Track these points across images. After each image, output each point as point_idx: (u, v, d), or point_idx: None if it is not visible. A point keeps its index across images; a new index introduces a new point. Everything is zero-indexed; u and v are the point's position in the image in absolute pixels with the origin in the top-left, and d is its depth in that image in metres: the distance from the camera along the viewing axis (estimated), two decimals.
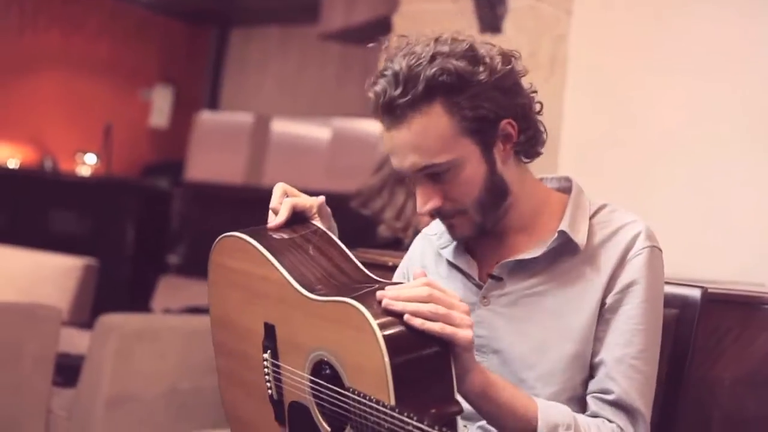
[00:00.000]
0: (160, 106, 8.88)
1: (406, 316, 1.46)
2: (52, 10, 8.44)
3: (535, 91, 1.72)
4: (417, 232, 3.12)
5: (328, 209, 1.84)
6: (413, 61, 1.60)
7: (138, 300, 6.29)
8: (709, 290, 1.91)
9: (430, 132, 1.60)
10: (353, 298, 1.51)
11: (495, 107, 1.62)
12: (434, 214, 1.70)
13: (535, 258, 1.70)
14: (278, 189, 1.81)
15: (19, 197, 7.16)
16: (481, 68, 1.61)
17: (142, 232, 7.06)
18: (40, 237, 6.59)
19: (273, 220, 1.77)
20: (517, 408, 1.57)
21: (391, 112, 1.62)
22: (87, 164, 8.03)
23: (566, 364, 1.67)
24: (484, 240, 1.78)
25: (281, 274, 1.66)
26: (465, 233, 1.73)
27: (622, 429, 1.64)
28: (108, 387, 3.33)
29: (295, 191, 1.81)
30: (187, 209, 7.46)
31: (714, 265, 3.27)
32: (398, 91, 1.59)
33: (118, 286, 6.69)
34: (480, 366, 1.56)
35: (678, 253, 3.13)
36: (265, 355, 1.72)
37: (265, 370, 1.73)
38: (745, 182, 3.31)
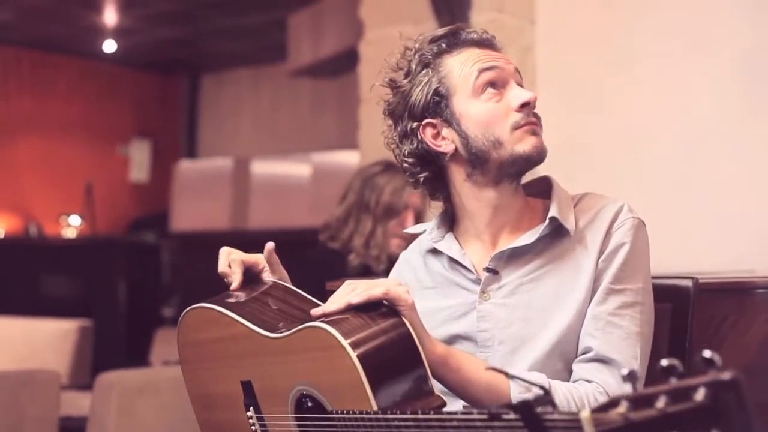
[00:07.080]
0: (138, 161, 8.89)
1: (348, 298, 1.57)
2: (22, 76, 8.45)
3: None
4: (391, 257, 3.08)
5: (276, 257, 1.89)
6: None
7: (136, 356, 6.26)
8: (701, 280, 1.91)
9: None
10: (311, 321, 1.57)
11: None
12: (529, 106, 1.74)
13: (528, 244, 1.74)
14: (223, 254, 1.87)
15: (7, 266, 7.14)
16: None
17: (134, 288, 7.05)
18: (32, 304, 6.57)
19: (231, 284, 1.84)
20: (482, 374, 1.62)
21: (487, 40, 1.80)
22: (72, 226, 8.03)
23: (560, 336, 1.70)
24: (476, 246, 1.80)
25: (245, 326, 1.71)
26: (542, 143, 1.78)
27: (603, 387, 1.64)
28: None
29: (239, 252, 1.87)
30: (176, 260, 7.46)
31: (704, 258, 3.27)
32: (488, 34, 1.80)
33: (115, 345, 6.67)
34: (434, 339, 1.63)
35: (668, 248, 3.13)
36: (249, 413, 1.75)
37: (253, 428, 1.75)
38: (728, 171, 3.32)
